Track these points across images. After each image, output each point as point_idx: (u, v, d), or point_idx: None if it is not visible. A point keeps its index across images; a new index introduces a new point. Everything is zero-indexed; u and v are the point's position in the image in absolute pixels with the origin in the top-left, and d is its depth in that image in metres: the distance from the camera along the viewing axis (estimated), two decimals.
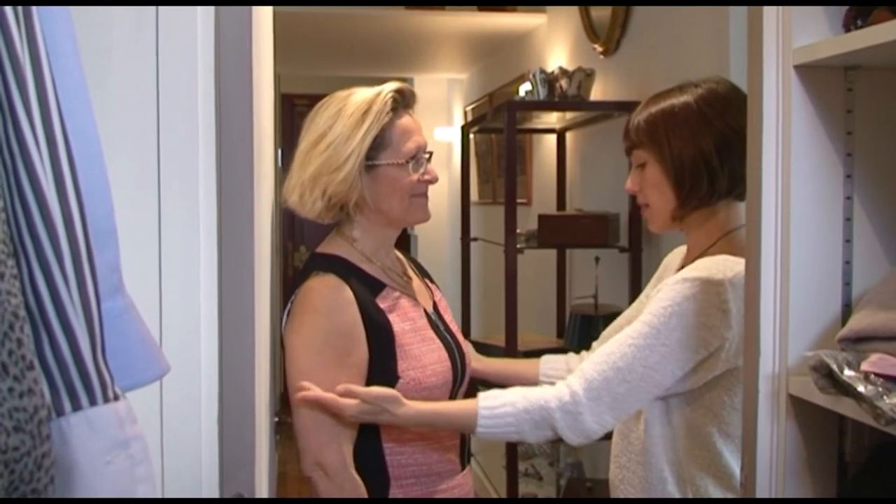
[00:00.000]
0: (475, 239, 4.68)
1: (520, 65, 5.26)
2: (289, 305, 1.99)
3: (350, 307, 1.93)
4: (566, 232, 3.59)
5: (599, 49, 3.87)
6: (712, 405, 1.87)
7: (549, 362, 2.28)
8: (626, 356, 1.84)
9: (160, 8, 1.42)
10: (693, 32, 3.04)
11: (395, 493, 1.98)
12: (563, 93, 3.61)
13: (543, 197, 4.79)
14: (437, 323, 2.11)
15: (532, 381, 2.24)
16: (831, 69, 1.46)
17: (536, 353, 3.79)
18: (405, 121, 2.03)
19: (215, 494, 1.48)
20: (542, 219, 3.63)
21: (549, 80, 3.65)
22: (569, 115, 4.25)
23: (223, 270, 1.49)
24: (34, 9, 0.85)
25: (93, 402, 0.85)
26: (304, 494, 1.99)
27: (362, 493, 1.92)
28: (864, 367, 1.29)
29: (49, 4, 0.90)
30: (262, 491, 1.80)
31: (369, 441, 1.97)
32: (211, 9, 1.47)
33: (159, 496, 1.40)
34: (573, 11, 4.22)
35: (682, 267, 2.03)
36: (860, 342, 1.36)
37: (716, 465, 1.87)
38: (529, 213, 4.68)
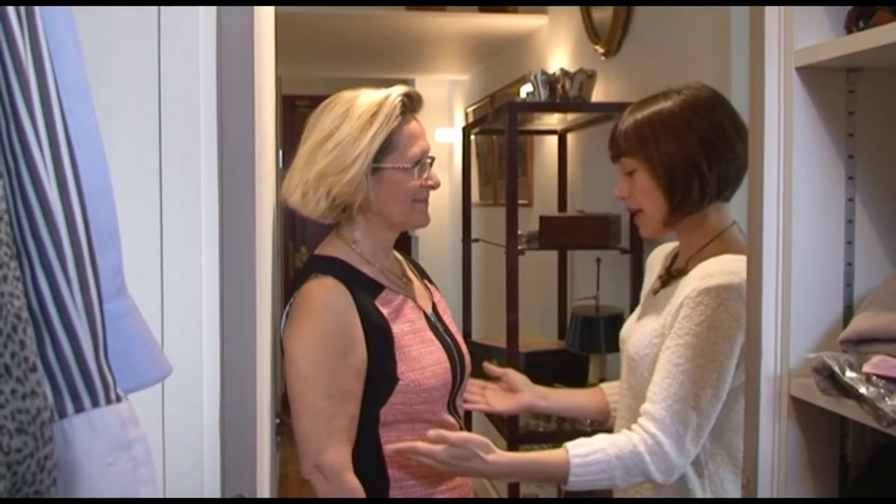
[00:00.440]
0: (476, 240, 4.67)
1: (521, 66, 5.26)
2: (287, 307, 1.99)
3: (349, 309, 1.93)
4: (567, 233, 3.59)
5: (601, 50, 3.86)
6: (729, 401, 1.87)
7: (614, 392, 2.27)
8: (684, 384, 1.83)
9: (162, 8, 1.42)
10: (695, 34, 3.03)
11: (394, 494, 1.98)
12: (565, 94, 3.61)
13: (545, 198, 4.79)
14: (436, 324, 2.11)
15: (602, 412, 2.27)
16: (833, 71, 1.46)
17: (538, 355, 3.82)
18: (412, 125, 2.04)
19: (217, 495, 1.48)
20: (544, 220, 3.63)
21: (551, 82, 3.65)
22: (570, 116, 4.25)
23: (225, 272, 1.49)
24: (37, 9, 0.85)
25: (95, 404, 0.85)
26: (305, 496, 1.99)
27: (361, 496, 1.92)
28: (866, 368, 1.29)
29: (51, 4, 0.90)
30: (264, 492, 1.80)
31: (369, 443, 1.97)
32: (213, 9, 1.47)
33: (161, 497, 1.40)
34: (574, 12, 4.21)
35: (673, 265, 2.06)
36: (862, 344, 1.36)
37: (735, 462, 1.89)
38: (531, 215, 4.68)
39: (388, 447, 1.97)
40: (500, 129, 4.07)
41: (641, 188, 1.98)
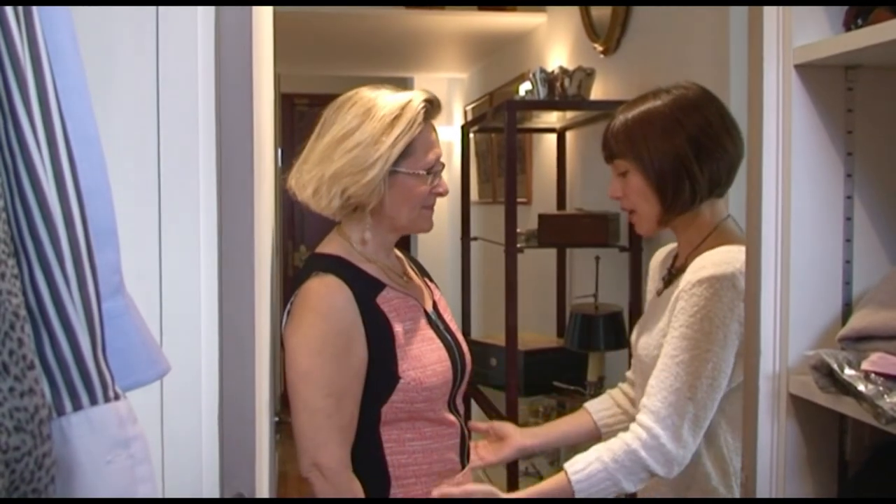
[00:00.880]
0: (475, 238, 4.67)
1: (520, 64, 5.26)
2: (289, 306, 1.99)
3: (349, 308, 1.93)
4: (566, 231, 3.59)
5: (600, 48, 3.86)
6: (722, 402, 1.88)
7: (599, 409, 2.28)
8: (680, 376, 1.85)
9: (160, 8, 1.41)
10: (693, 32, 3.04)
11: (395, 492, 1.98)
12: (564, 92, 3.61)
13: (543, 196, 4.79)
14: (436, 323, 2.11)
15: (591, 432, 2.26)
16: (832, 68, 1.46)
17: (536, 353, 3.82)
18: (429, 131, 2.04)
19: (216, 494, 1.48)
20: (543, 218, 3.63)
21: (550, 80, 3.65)
22: (569, 114, 4.25)
23: (223, 270, 1.49)
24: (35, 9, 0.85)
25: (93, 402, 0.85)
26: (304, 494, 1.99)
27: (359, 494, 1.92)
28: (865, 366, 1.29)
29: (50, 5, 0.90)
30: (263, 490, 1.80)
31: (370, 442, 1.97)
32: (211, 9, 1.46)
33: (160, 496, 1.40)
34: (573, 11, 4.22)
35: (674, 264, 2.07)
36: (861, 341, 1.36)
37: (723, 463, 1.90)
38: (529, 213, 4.68)
39: (394, 450, 1.98)
40: (498, 127, 4.07)
41: (634, 189, 1.99)
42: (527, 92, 3.83)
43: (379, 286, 2.01)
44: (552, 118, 4.52)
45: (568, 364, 3.75)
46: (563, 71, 3.63)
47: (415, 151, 1.99)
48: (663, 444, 1.84)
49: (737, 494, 1.88)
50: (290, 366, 1.94)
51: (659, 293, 2.06)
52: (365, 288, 1.98)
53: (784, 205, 1.48)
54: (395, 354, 1.96)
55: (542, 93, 3.66)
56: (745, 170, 1.67)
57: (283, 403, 2.16)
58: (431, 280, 2.28)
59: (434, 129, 2.06)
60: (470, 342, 4.20)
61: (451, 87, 7.56)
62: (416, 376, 1.96)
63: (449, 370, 2.03)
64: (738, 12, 2.68)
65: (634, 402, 2.17)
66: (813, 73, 1.46)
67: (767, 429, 1.49)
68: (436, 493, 1.94)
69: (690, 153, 1.92)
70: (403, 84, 7.54)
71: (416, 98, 2.00)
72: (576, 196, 4.31)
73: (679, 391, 1.84)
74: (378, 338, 1.95)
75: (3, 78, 0.81)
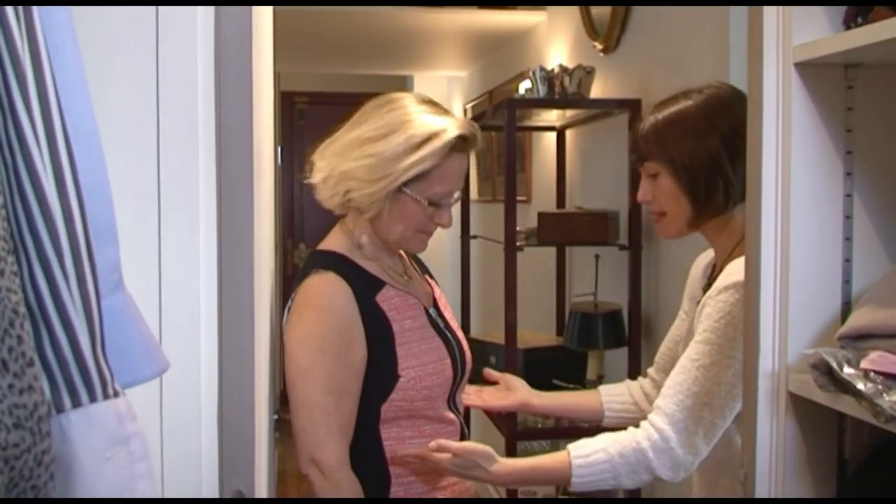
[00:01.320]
0: (475, 237, 4.67)
1: (520, 62, 5.26)
2: (289, 302, 1.99)
3: (349, 305, 1.93)
4: (566, 229, 3.59)
5: (599, 46, 3.86)
6: None
7: (611, 394, 2.25)
8: (699, 380, 1.82)
9: (160, 8, 1.41)
10: (693, 30, 3.03)
11: (395, 490, 1.98)
12: (563, 90, 3.61)
13: (543, 194, 4.79)
14: (437, 320, 2.11)
15: (596, 412, 2.24)
16: (831, 67, 1.46)
17: (536, 352, 3.82)
18: (452, 165, 1.99)
19: (215, 491, 1.48)
20: (542, 216, 3.63)
21: (549, 78, 3.65)
22: (569, 112, 4.24)
23: (223, 268, 1.49)
24: (34, 7, 0.85)
25: (93, 399, 0.85)
26: (303, 492, 1.99)
27: (358, 491, 1.92)
28: (864, 364, 1.29)
29: (50, 4, 0.90)
30: (262, 488, 1.80)
31: (370, 440, 1.97)
32: (211, 9, 1.46)
33: (159, 493, 1.40)
34: (573, 9, 4.21)
35: (713, 272, 2.01)
36: (860, 340, 1.36)
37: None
38: (529, 211, 4.68)
39: (394, 448, 1.97)
40: (498, 125, 4.06)
41: (665, 191, 1.93)
42: (526, 90, 3.82)
43: (379, 284, 2.01)
44: (552, 116, 4.52)
45: (567, 362, 3.75)
46: (563, 69, 3.63)
47: (427, 179, 1.95)
48: (673, 447, 1.81)
49: None
50: (289, 362, 1.94)
51: (698, 302, 1.98)
52: (365, 286, 1.98)
53: (784, 203, 1.47)
54: (395, 353, 1.96)
55: (542, 91, 3.66)
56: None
57: (282, 401, 2.17)
58: (432, 277, 2.28)
59: (461, 163, 2.01)
60: (469, 340, 4.19)
61: (450, 86, 7.56)
62: (415, 375, 1.96)
63: (449, 368, 2.03)
64: (739, 10, 2.68)
65: (649, 399, 2.16)
66: (813, 72, 1.46)
67: (766, 427, 1.49)
68: (433, 443, 1.90)
69: (724, 154, 1.87)
70: (403, 83, 7.55)
71: (450, 129, 1.95)
72: (575, 194, 4.31)
73: (697, 396, 1.81)
74: (378, 336, 1.95)
75: (2, 75, 0.81)
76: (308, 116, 8.32)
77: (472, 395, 2.25)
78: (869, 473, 1.46)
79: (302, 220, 8.39)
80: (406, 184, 1.94)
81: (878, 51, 1.30)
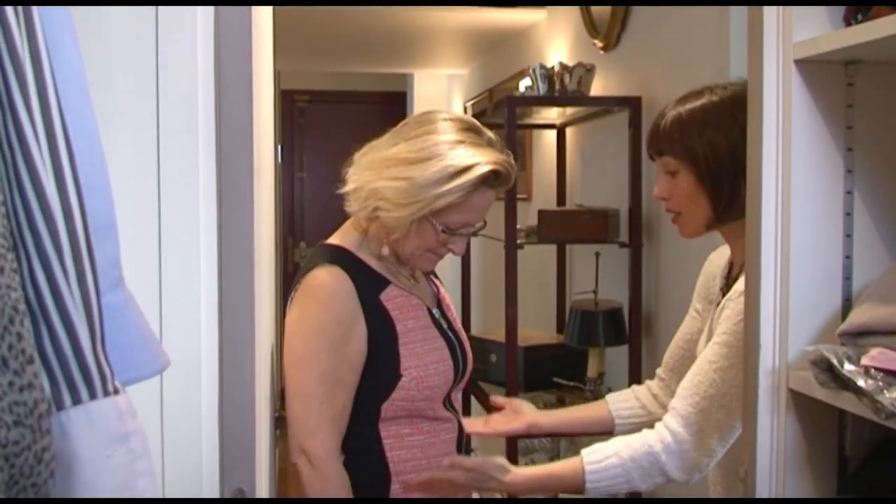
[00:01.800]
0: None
1: (520, 60, 5.26)
2: (292, 293, 2.00)
3: (351, 299, 1.93)
4: (566, 227, 3.59)
5: (599, 44, 3.86)
6: None
7: (618, 401, 2.22)
8: (716, 382, 1.79)
9: (160, 8, 1.41)
10: (693, 27, 3.03)
11: (396, 487, 1.98)
12: (563, 88, 3.61)
13: (543, 192, 4.79)
14: (440, 321, 2.10)
15: (605, 423, 2.20)
16: (832, 64, 1.46)
17: (536, 349, 3.82)
18: (479, 198, 1.96)
19: (216, 489, 1.48)
20: (543, 214, 3.63)
21: (549, 76, 3.65)
22: (569, 110, 4.24)
23: (223, 265, 1.49)
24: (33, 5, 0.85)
25: (93, 396, 0.85)
26: (294, 483, 1.99)
27: (345, 484, 1.92)
28: (865, 361, 1.29)
29: (50, 5, 0.90)
30: (263, 486, 1.81)
31: (370, 437, 1.97)
32: (210, 9, 1.46)
33: (159, 491, 1.40)
34: (573, 7, 4.21)
35: (730, 272, 1.97)
36: (860, 336, 1.36)
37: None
38: (529, 209, 4.68)
39: (393, 446, 1.98)
40: (498, 123, 4.06)
41: (684, 190, 1.86)
42: (527, 88, 3.83)
43: (383, 283, 2.01)
44: (552, 114, 4.52)
45: (568, 360, 3.75)
46: (563, 67, 3.63)
47: (450, 208, 1.93)
48: (686, 449, 1.80)
49: None
50: (286, 351, 1.95)
51: (718, 304, 1.94)
52: (369, 283, 1.98)
53: (784, 200, 1.47)
54: (398, 352, 1.96)
55: (542, 89, 3.66)
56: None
57: (282, 399, 2.17)
58: (437, 277, 2.28)
59: (489, 197, 1.98)
60: (470, 338, 4.20)
61: (450, 84, 7.56)
62: (417, 375, 1.96)
63: (451, 370, 2.04)
64: (738, 8, 2.68)
65: (658, 400, 2.15)
66: (813, 69, 1.46)
67: (767, 424, 1.49)
68: (447, 461, 1.92)
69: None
70: (403, 81, 7.55)
71: (484, 163, 1.91)
72: (576, 192, 4.31)
73: (713, 398, 1.79)
74: (380, 334, 1.95)
75: (1, 72, 0.81)
76: (308, 114, 8.31)
77: (480, 424, 2.24)
78: (870, 470, 1.46)
79: (302, 219, 8.38)
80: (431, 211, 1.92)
81: (878, 47, 1.30)
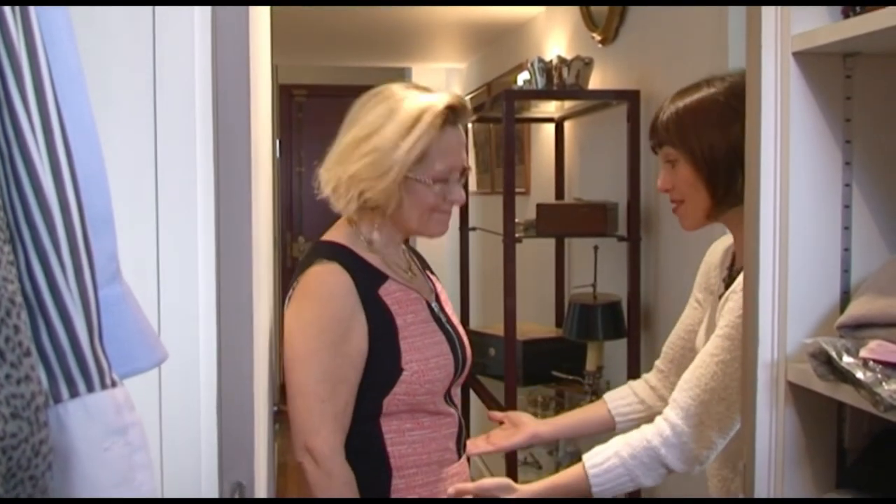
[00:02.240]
0: (474, 228, 4.67)
1: (518, 54, 5.25)
2: (290, 291, 1.99)
3: (350, 296, 1.93)
4: (565, 221, 3.59)
5: (598, 38, 3.86)
6: None
7: (616, 399, 2.23)
8: (717, 375, 1.80)
9: (157, 8, 1.41)
10: (692, 21, 3.03)
11: (397, 482, 1.98)
12: (562, 82, 3.61)
13: (542, 186, 4.79)
14: (438, 315, 2.11)
15: (606, 422, 2.21)
16: (830, 56, 1.46)
17: (535, 343, 3.82)
18: (448, 139, 1.99)
19: (214, 482, 1.48)
20: (541, 208, 3.63)
21: (548, 70, 3.65)
22: (567, 104, 4.25)
23: (221, 260, 1.49)
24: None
25: (90, 389, 0.85)
26: (301, 482, 1.99)
27: (350, 481, 1.92)
28: (863, 353, 1.29)
29: (46, 4, 0.90)
30: (262, 480, 1.81)
31: (371, 432, 1.97)
32: (207, 8, 1.46)
33: (158, 484, 1.40)
34: None
35: (733, 264, 1.99)
36: (859, 329, 1.36)
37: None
38: (528, 203, 4.68)
39: (395, 441, 1.98)
40: (497, 117, 4.06)
41: (684, 179, 1.89)
42: (525, 82, 3.82)
43: (382, 278, 2.01)
44: (550, 108, 4.52)
45: (566, 354, 3.75)
46: (562, 60, 3.63)
47: (427, 158, 1.96)
48: (686, 441, 1.81)
49: None
50: (287, 349, 1.95)
51: (720, 296, 1.95)
52: (368, 278, 1.98)
53: (782, 193, 1.47)
54: (399, 347, 1.96)
55: (541, 82, 3.66)
56: None
57: (282, 393, 2.17)
58: (433, 273, 2.28)
59: (457, 135, 2.01)
60: (469, 332, 4.21)
61: (449, 77, 7.55)
62: (418, 369, 1.96)
63: (451, 363, 2.04)
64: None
65: (657, 392, 2.15)
66: (811, 61, 1.45)
67: (766, 417, 1.49)
68: (451, 490, 1.95)
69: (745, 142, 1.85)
70: (401, 75, 7.54)
71: (438, 102, 1.96)
72: (574, 186, 4.31)
73: (714, 391, 1.80)
74: (380, 329, 1.95)
75: None
76: (306, 109, 8.31)
77: (481, 442, 2.23)
78: (868, 463, 1.46)
79: (301, 214, 8.38)
80: (411, 169, 1.94)
81: (876, 39, 1.30)
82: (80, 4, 1.33)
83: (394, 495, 1.98)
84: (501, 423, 2.29)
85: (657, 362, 2.20)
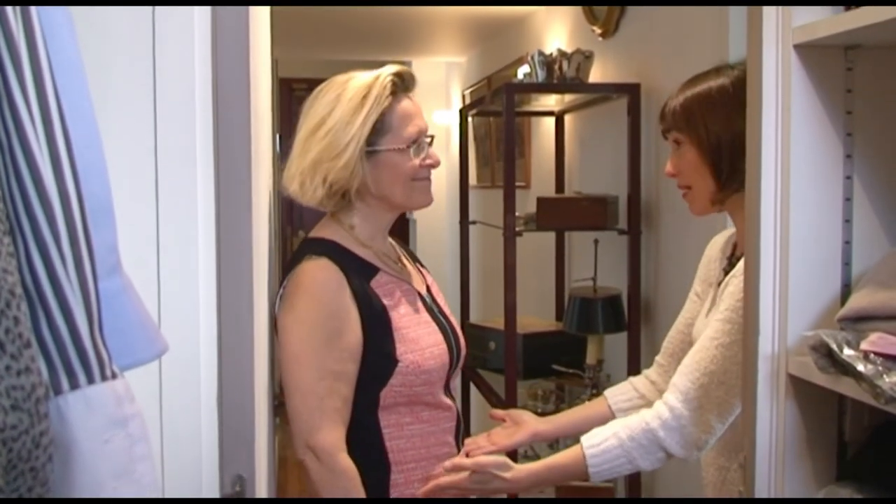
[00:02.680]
0: (474, 222, 4.67)
1: (518, 47, 5.25)
2: (281, 289, 1.99)
3: (342, 290, 1.93)
4: (565, 214, 3.59)
5: (598, 31, 3.85)
6: None
7: (616, 394, 2.23)
8: (717, 358, 1.81)
9: (156, 8, 1.41)
10: (692, 13, 3.03)
11: (396, 477, 1.98)
12: (562, 75, 3.60)
13: (542, 180, 4.79)
14: (431, 306, 2.11)
15: (607, 418, 2.18)
16: (831, 48, 1.46)
17: (535, 337, 3.82)
18: (405, 105, 2.02)
19: (215, 475, 1.48)
20: (541, 201, 3.63)
21: (548, 63, 3.64)
22: (567, 97, 4.24)
23: (221, 253, 1.49)
24: None
25: (91, 381, 0.85)
26: (302, 478, 1.99)
27: (354, 476, 1.91)
28: (864, 346, 1.29)
29: (48, 4, 0.89)
30: (262, 473, 1.81)
31: (369, 427, 1.97)
32: (207, 8, 1.46)
33: (158, 476, 1.40)
34: None
35: (733, 253, 2.00)
36: (860, 321, 1.36)
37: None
38: (528, 196, 4.68)
39: (393, 435, 1.98)
40: (497, 110, 4.06)
41: (689, 163, 1.92)
42: (525, 75, 3.82)
43: (373, 270, 2.01)
44: (550, 101, 4.51)
45: (567, 347, 3.75)
46: (562, 54, 3.62)
47: (391, 126, 1.99)
48: (685, 425, 1.81)
49: None
50: (282, 348, 1.95)
51: (720, 284, 1.97)
52: (359, 272, 1.98)
53: (783, 185, 1.47)
54: (393, 338, 1.96)
55: (541, 76, 3.65)
56: None
57: (281, 387, 2.17)
58: (423, 266, 2.28)
59: (411, 101, 2.05)
60: (469, 326, 4.22)
61: (449, 71, 7.55)
62: (414, 359, 1.96)
63: (446, 353, 2.04)
64: None
65: (657, 387, 2.15)
66: (812, 54, 1.45)
67: (766, 409, 1.49)
68: (448, 463, 1.94)
69: None
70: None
71: (383, 73, 2.00)
72: (574, 179, 4.31)
73: (713, 374, 1.80)
74: (374, 322, 1.95)
75: None
76: None
77: (482, 441, 2.23)
78: (869, 455, 1.47)
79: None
80: (373, 142, 1.97)
81: (877, 31, 1.29)
82: (80, 4, 1.33)
83: (393, 490, 1.98)
84: (503, 421, 2.29)
85: (657, 357, 2.20)
